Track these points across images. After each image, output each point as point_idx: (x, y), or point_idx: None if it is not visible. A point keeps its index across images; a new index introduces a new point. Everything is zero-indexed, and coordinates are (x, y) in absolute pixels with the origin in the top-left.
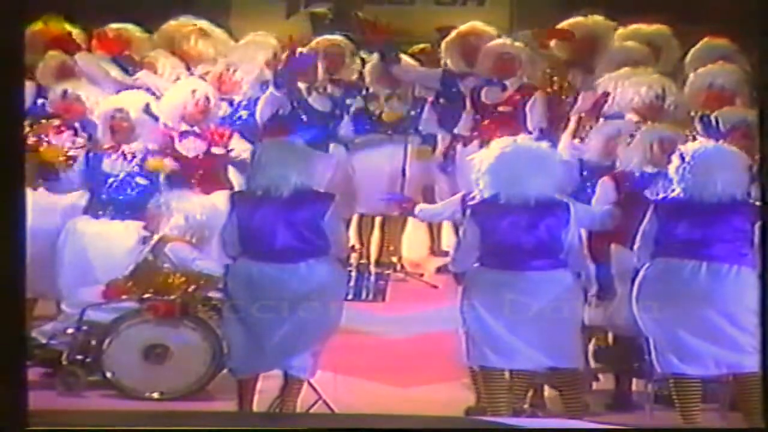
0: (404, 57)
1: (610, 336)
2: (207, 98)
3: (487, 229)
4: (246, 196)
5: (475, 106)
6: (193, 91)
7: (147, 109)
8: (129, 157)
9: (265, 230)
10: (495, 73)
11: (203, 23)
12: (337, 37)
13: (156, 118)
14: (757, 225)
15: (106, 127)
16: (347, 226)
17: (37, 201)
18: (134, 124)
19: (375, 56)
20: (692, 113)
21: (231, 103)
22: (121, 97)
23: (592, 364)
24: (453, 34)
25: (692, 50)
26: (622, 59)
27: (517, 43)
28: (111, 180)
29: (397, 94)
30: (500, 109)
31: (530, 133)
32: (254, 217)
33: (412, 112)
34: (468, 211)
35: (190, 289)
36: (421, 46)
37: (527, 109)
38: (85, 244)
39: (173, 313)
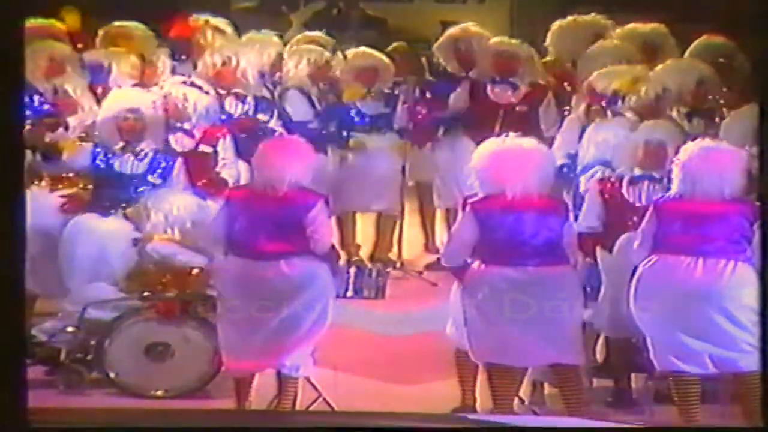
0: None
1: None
2: (176, 102)
3: (486, 227)
4: (242, 192)
5: (480, 105)
6: (166, 96)
7: (155, 106)
8: (141, 156)
9: (251, 227)
10: (496, 71)
11: (217, 20)
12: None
13: None
14: (758, 224)
15: (114, 127)
16: (346, 225)
17: (38, 200)
18: (147, 123)
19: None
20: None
21: (237, 96)
22: (131, 97)
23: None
24: (444, 36)
25: (689, 48)
26: (611, 58)
27: (515, 41)
28: (122, 179)
29: (372, 92)
30: (517, 108)
31: (543, 133)
32: (245, 213)
33: (388, 110)
34: (467, 208)
35: (181, 287)
36: (396, 44)
37: (542, 109)
38: (97, 242)
39: (174, 311)
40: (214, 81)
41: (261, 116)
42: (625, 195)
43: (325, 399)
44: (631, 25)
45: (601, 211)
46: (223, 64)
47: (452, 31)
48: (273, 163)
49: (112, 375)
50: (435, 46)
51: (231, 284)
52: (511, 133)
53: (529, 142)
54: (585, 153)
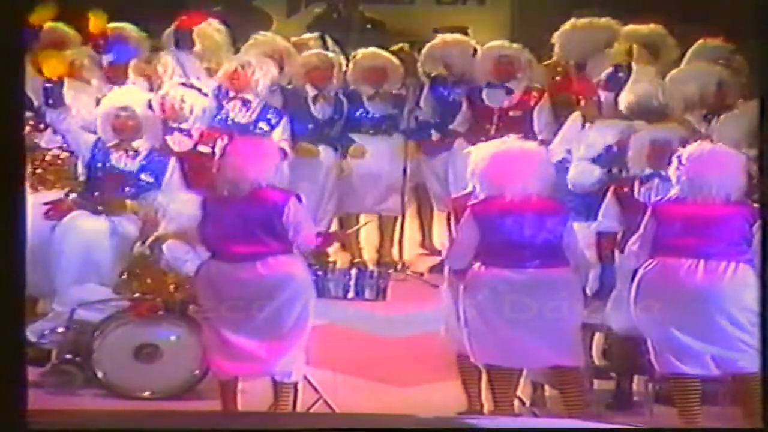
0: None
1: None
2: (173, 103)
3: (486, 229)
4: (213, 195)
5: (475, 109)
6: (164, 97)
7: (151, 106)
8: (132, 154)
9: (224, 229)
10: (495, 76)
11: (212, 21)
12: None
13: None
14: (757, 224)
15: (108, 125)
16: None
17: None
18: (141, 121)
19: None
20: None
21: (244, 102)
22: (125, 95)
23: (600, 362)
24: (425, 48)
25: (690, 51)
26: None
27: (515, 45)
28: (113, 177)
29: (380, 94)
30: (510, 113)
31: (537, 136)
32: (216, 216)
33: (396, 111)
34: (467, 211)
35: (180, 290)
36: (398, 45)
37: (535, 112)
38: (86, 240)
39: (163, 312)
40: (228, 83)
41: (263, 125)
42: (635, 194)
43: (325, 400)
44: (630, 26)
45: (619, 212)
46: (242, 67)
47: (433, 42)
48: (234, 165)
49: (101, 376)
50: (421, 58)
51: (209, 287)
52: (512, 135)
53: (529, 144)
54: (575, 153)
